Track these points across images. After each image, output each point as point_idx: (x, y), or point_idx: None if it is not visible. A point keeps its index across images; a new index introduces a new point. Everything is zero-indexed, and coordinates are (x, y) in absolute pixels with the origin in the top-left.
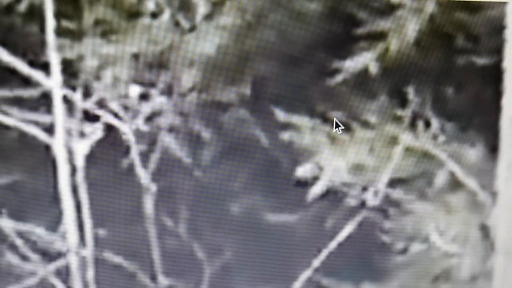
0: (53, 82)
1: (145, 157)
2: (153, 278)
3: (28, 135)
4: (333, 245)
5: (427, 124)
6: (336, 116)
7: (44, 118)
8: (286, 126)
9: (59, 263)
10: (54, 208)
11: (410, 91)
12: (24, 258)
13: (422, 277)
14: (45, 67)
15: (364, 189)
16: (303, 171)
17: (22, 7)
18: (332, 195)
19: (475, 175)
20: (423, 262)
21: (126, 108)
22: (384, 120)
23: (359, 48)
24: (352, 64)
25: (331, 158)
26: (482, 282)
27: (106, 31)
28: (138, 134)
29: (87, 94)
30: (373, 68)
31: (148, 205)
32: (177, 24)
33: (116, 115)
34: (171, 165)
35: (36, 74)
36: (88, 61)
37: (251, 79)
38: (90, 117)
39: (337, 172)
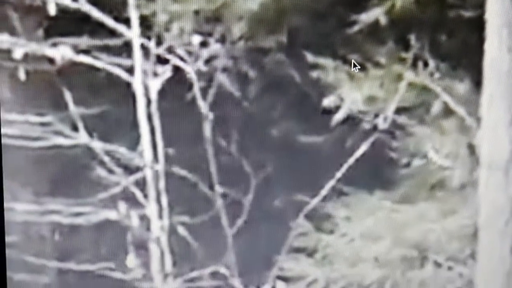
0: (133, 33)
1: (204, 91)
2: (211, 187)
3: (114, 75)
4: (351, 160)
5: (426, 64)
6: (354, 58)
7: (126, 62)
8: (315, 66)
9: (138, 175)
10: (134, 132)
11: (412, 38)
12: (110, 171)
13: (422, 186)
14: (126, 22)
15: (376, 115)
16: (328, 102)
17: None
18: (351, 120)
19: (463, 104)
20: (423, 174)
21: (189, 53)
22: (391, 61)
23: (372, 4)
24: (366, 17)
25: (350, 91)
26: (469, 189)
27: None
28: (199, 73)
29: (159, 42)
30: (383, 20)
31: (207, 129)
32: None
33: (181, 58)
34: (225, 98)
35: (120, 27)
36: (160, 16)
37: (287, 30)
38: (161, 61)
39: (354, 103)
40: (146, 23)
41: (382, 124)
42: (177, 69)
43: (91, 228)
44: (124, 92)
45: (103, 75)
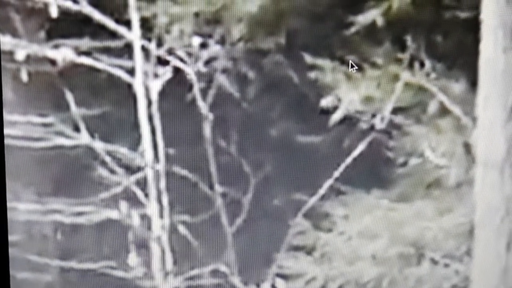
0: (134, 35)
1: (204, 92)
2: (211, 186)
3: (115, 76)
4: (349, 160)
5: (422, 64)
6: (351, 59)
7: (127, 63)
8: (312, 67)
9: (139, 175)
10: (135, 133)
11: (408, 39)
12: (111, 171)
13: (418, 184)
14: (127, 24)
15: (373, 115)
16: (325, 102)
17: None
18: (348, 120)
19: (459, 103)
20: (419, 172)
21: (189, 54)
22: (388, 62)
23: (369, 6)
24: (363, 19)
25: (347, 92)
26: (465, 188)
27: None
28: (199, 74)
29: (159, 44)
30: (380, 21)
31: (207, 130)
32: None
33: (182, 60)
34: (224, 99)
35: (121, 29)
36: (160, 18)
37: (285, 31)
38: (162, 62)
39: (352, 103)
40: (146, 25)
41: (379, 124)
42: (177, 70)
43: (93, 228)
44: (125, 93)
45: (104, 76)
